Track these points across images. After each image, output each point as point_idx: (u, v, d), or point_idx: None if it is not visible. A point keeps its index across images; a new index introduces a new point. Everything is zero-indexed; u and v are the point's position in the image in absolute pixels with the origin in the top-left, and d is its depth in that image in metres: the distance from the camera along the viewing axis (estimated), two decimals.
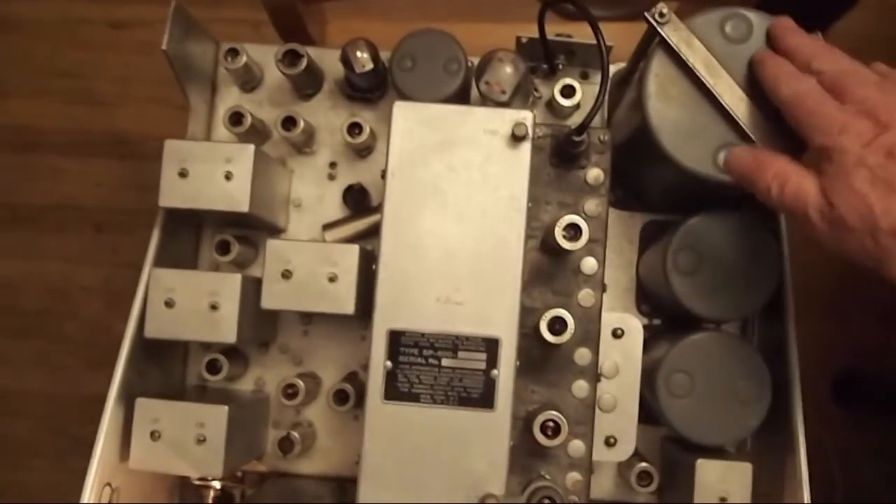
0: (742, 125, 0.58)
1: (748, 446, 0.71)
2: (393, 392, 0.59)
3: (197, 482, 0.70)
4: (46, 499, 1.26)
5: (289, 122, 0.71)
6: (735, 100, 0.58)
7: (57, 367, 1.30)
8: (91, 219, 1.30)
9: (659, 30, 0.59)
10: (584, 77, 0.74)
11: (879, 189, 0.48)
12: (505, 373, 0.59)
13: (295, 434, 0.69)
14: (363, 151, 0.74)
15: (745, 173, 0.56)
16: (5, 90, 1.31)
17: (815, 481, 0.61)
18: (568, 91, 0.70)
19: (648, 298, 0.73)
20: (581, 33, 0.69)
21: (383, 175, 0.60)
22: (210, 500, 0.71)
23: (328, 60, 0.75)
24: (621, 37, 0.73)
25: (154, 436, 0.63)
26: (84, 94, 1.30)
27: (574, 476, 0.62)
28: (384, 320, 0.59)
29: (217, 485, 0.70)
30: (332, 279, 0.63)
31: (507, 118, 0.60)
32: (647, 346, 0.69)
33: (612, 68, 0.74)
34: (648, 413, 0.67)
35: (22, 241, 1.30)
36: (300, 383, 0.69)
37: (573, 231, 0.58)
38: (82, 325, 1.30)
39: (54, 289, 1.30)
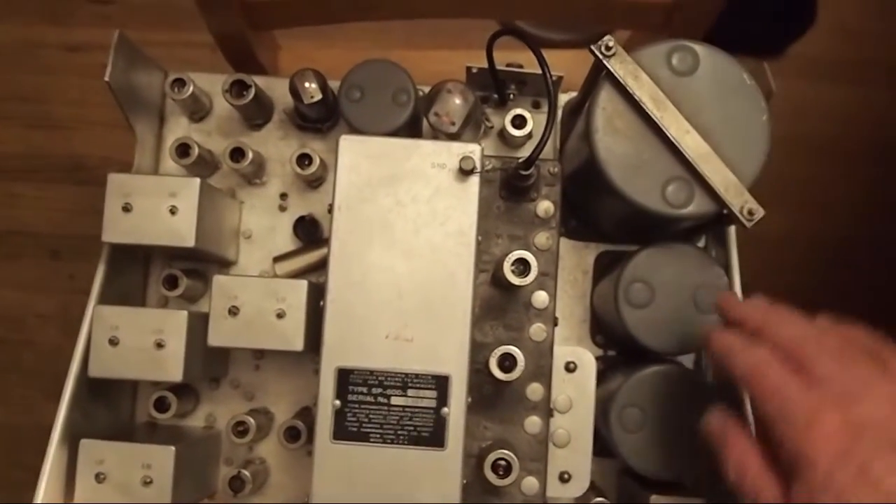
0: (689, 158, 0.58)
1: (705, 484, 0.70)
2: (342, 432, 0.58)
3: None
4: None
5: (237, 154, 0.69)
6: (681, 133, 0.58)
7: (13, 397, 1.27)
8: (47, 245, 1.28)
9: (605, 63, 0.58)
10: (535, 106, 0.74)
11: None
12: (456, 410, 0.58)
13: (245, 473, 0.68)
14: (314, 182, 0.73)
15: (713, 437, 0.53)
16: None
17: None
18: (519, 122, 0.69)
19: (603, 329, 0.72)
20: (534, 63, 0.69)
21: (330, 209, 0.60)
22: None
23: (279, 90, 0.74)
24: (573, 65, 0.73)
25: (99, 478, 0.62)
26: (41, 119, 1.28)
27: None
28: (332, 358, 0.58)
29: None
30: (281, 315, 0.62)
31: (455, 151, 0.59)
32: (603, 377, 0.68)
33: (564, 97, 0.74)
34: (605, 446, 0.67)
35: None
36: (250, 420, 0.67)
37: (522, 266, 0.58)
38: (38, 355, 1.27)
39: (9, 317, 1.28)
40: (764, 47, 1.09)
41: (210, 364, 0.69)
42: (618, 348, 0.72)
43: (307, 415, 0.70)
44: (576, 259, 0.73)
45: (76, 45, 1.29)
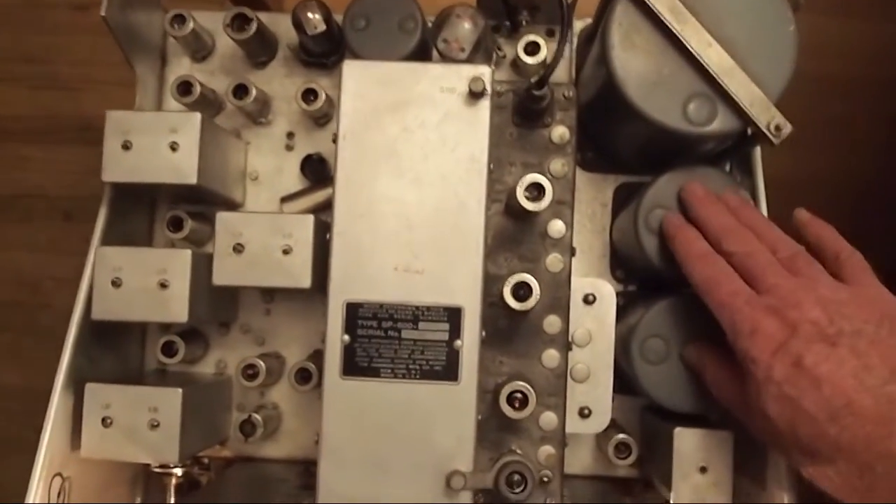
0: (711, 72, 0.55)
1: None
2: (352, 367, 0.56)
3: (157, 470, 0.67)
4: (23, 496, 1.24)
5: (240, 90, 0.67)
6: (703, 46, 0.55)
7: (31, 359, 1.26)
8: (60, 207, 1.26)
9: None
10: (549, 34, 0.71)
11: (786, 410, 0.50)
12: (469, 343, 0.56)
13: (257, 416, 0.66)
14: (321, 119, 0.71)
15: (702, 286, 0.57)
16: None
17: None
18: (532, 48, 0.67)
19: (623, 264, 0.70)
20: None
21: (335, 139, 0.57)
22: (172, 489, 0.67)
23: (282, 26, 0.72)
24: None
25: (106, 422, 0.60)
26: (49, 80, 1.27)
27: (547, 449, 0.59)
28: (340, 292, 0.56)
29: (178, 472, 0.67)
30: (287, 252, 0.60)
31: (464, 74, 0.57)
32: (623, 313, 0.66)
33: (579, 24, 0.71)
34: (626, 383, 0.64)
35: None
36: (260, 363, 0.66)
37: (536, 191, 0.55)
38: (55, 316, 1.26)
39: (25, 280, 1.27)
40: None
41: (218, 307, 0.67)
42: (638, 283, 0.70)
43: (319, 358, 0.67)
44: (594, 192, 0.70)
45: (83, 3, 1.27)
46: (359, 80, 0.57)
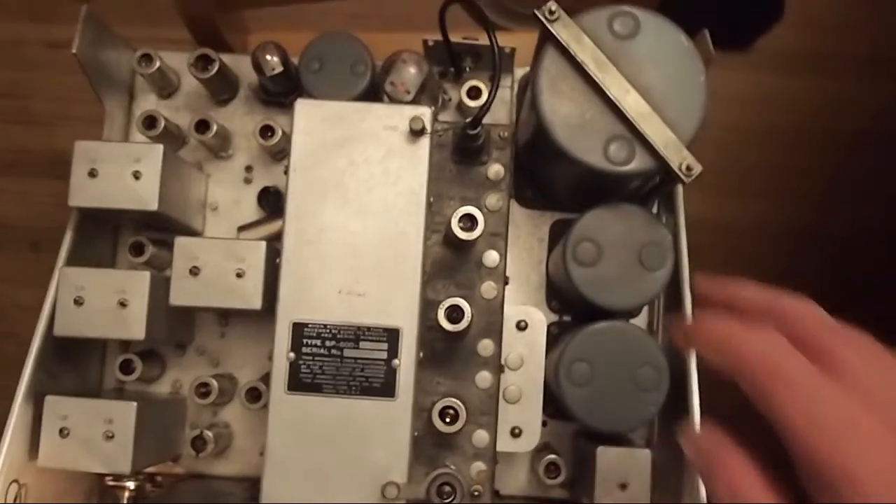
0: (629, 117, 0.60)
1: (655, 438, 0.72)
2: (296, 383, 0.60)
3: (111, 483, 0.70)
4: None
5: (202, 126, 0.72)
6: (622, 92, 0.60)
7: None
8: (28, 238, 1.29)
9: (549, 27, 0.61)
10: (491, 80, 0.76)
11: None
12: (406, 362, 0.60)
13: (208, 433, 0.70)
14: (278, 155, 0.76)
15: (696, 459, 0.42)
16: None
17: None
18: (474, 93, 0.72)
19: (557, 295, 0.74)
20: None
21: (286, 171, 0.62)
22: (125, 501, 0.71)
23: (244, 67, 0.77)
24: (530, 44, 0.75)
25: (63, 433, 0.63)
26: (21, 114, 1.30)
27: (478, 466, 0.63)
28: (287, 312, 0.61)
29: (131, 485, 0.70)
30: (240, 275, 0.64)
31: (406, 114, 0.62)
32: (556, 341, 0.70)
33: (520, 71, 0.77)
34: (560, 409, 0.68)
35: None
36: (213, 382, 0.69)
37: (469, 221, 0.60)
38: (20, 346, 1.28)
39: None
40: (731, 40, 1.12)
41: (175, 329, 0.71)
42: (572, 313, 0.74)
43: (269, 379, 0.71)
44: (531, 227, 0.75)
45: (57, 41, 1.31)
46: (309, 117, 0.62)
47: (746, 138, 1.26)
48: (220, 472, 0.74)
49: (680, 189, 0.71)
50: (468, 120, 0.62)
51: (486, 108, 0.61)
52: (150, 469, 0.72)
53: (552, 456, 0.69)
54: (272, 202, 0.75)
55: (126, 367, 0.70)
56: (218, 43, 0.80)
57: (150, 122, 0.71)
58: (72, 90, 1.30)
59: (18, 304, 1.30)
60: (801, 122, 1.31)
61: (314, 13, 0.94)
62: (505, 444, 0.65)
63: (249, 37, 0.88)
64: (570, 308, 0.74)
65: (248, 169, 0.76)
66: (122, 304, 0.64)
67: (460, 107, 0.74)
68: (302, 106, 0.62)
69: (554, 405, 0.68)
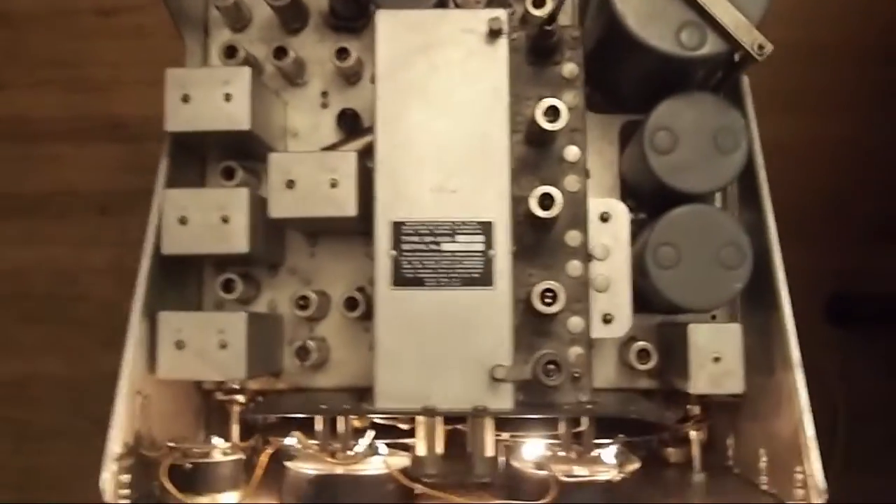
0: (699, 2, 0.62)
1: (738, 318, 0.75)
2: (399, 279, 0.63)
3: (221, 398, 0.74)
4: (73, 482, 1.30)
5: (280, 52, 0.75)
6: None
7: (71, 349, 1.33)
8: (95, 202, 1.34)
9: None
10: None
11: None
12: (501, 252, 0.63)
13: (310, 342, 0.73)
14: (352, 78, 0.78)
15: None
16: (2, 83, 1.35)
17: (816, 405, 0.63)
18: (538, 2, 0.74)
19: (632, 193, 0.77)
20: None
21: (373, 80, 0.65)
22: (235, 415, 0.74)
23: None
24: None
25: (179, 345, 0.67)
26: (79, 82, 1.35)
27: (576, 350, 0.66)
28: (385, 213, 0.64)
29: (241, 398, 0.74)
30: (334, 185, 0.67)
31: (483, 16, 0.64)
32: (635, 238, 0.73)
33: None
34: (643, 301, 0.71)
35: (27, 230, 1.34)
36: (312, 294, 0.73)
37: (553, 113, 0.63)
38: (94, 306, 1.33)
39: (63, 273, 1.34)
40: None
41: (270, 246, 0.74)
42: (647, 209, 0.76)
43: (362, 292, 0.75)
44: (601, 131, 0.78)
45: (108, 9, 1.35)
46: (391, 26, 0.65)
47: (793, 55, 1.27)
48: (320, 384, 0.77)
49: (745, 79, 0.73)
50: (546, 15, 0.65)
51: (560, 2, 0.63)
52: (254, 386, 0.76)
53: (642, 342, 0.72)
54: (350, 123, 0.78)
55: (227, 286, 0.74)
56: None
57: (230, 51, 0.74)
58: (125, 55, 1.34)
59: (89, 268, 1.34)
60: (845, 37, 1.32)
61: None
62: (598, 330, 0.68)
63: None
64: (645, 204, 0.76)
65: (324, 94, 0.79)
66: (224, 220, 0.68)
67: (524, 18, 0.76)
68: (383, 15, 0.65)
69: (637, 298, 0.71)
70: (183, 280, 0.76)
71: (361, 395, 0.74)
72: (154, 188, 0.72)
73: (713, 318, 0.76)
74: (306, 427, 0.71)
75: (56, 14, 1.36)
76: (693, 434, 0.74)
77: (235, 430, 0.74)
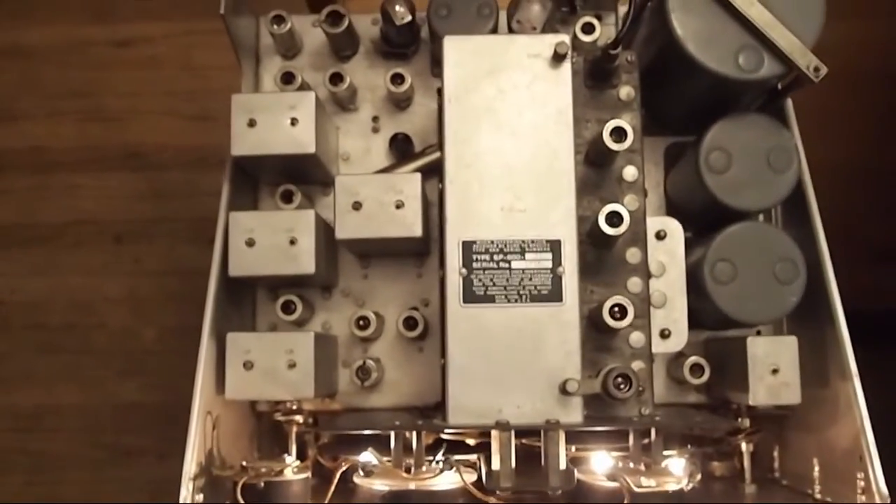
0: (757, 26, 0.65)
1: (784, 332, 0.77)
2: (470, 296, 0.65)
3: (280, 418, 0.75)
4: None
5: (336, 78, 0.76)
6: (747, 5, 0.66)
7: (88, 378, 1.32)
8: (110, 231, 1.34)
9: None
10: (598, 18, 0.81)
11: None
12: (569, 269, 0.65)
13: (370, 361, 0.74)
14: (403, 103, 0.80)
15: None
16: (18, 114, 1.35)
17: None
18: (588, 28, 0.76)
19: (678, 213, 0.79)
20: None
21: (440, 106, 0.66)
22: (293, 436, 0.75)
23: (361, 25, 0.81)
24: None
25: (247, 366, 0.68)
26: (95, 112, 1.35)
27: (638, 364, 0.68)
28: (456, 232, 0.65)
29: (300, 419, 0.74)
30: (399, 206, 0.69)
31: (548, 42, 0.67)
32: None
33: (622, 9, 0.81)
34: (690, 317, 0.73)
35: (43, 259, 1.34)
36: (371, 315, 0.74)
37: (619, 134, 0.65)
38: (110, 335, 1.33)
39: (79, 302, 1.33)
40: None
41: (329, 268, 0.75)
42: (693, 228, 0.79)
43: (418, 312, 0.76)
44: (647, 152, 0.79)
45: (123, 40, 1.36)
46: (458, 51, 0.67)
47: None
48: (375, 404, 0.78)
49: (790, 103, 0.76)
50: (609, 41, 0.67)
51: (626, 24, 0.66)
52: (309, 406, 0.76)
53: (695, 357, 0.74)
54: (402, 147, 0.80)
55: (287, 308, 0.74)
56: (326, 5, 0.84)
57: (287, 77, 0.76)
58: (141, 85, 1.35)
59: (105, 296, 1.34)
60: (844, 64, 1.36)
61: None
62: (657, 345, 0.70)
63: (348, 2, 0.92)
64: (692, 223, 0.78)
65: (375, 119, 0.81)
66: (292, 242, 0.69)
67: (573, 43, 0.78)
68: (451, 41, 0.67)
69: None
70: (242, 303, 0.77)
71: (421, 413, 0.75)
72: (218, 213, 0.73)
73: (758, 332, 0.78)
74: (362, 445, 0.72)
75: (71, 45, 1.36)
76: (744, 446, 0.76)
77: (293, 449, 0.75)
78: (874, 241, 1.37)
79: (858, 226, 1.35)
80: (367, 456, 0.69)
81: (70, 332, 1.34)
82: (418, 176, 0.70)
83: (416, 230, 0.69)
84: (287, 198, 0.76)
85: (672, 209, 0.79)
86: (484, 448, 0.72)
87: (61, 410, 1.33)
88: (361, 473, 0.70)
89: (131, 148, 1.35)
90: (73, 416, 1.32)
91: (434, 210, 0.75)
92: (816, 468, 0.72)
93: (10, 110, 1.36)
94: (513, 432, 0.69)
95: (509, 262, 0.65)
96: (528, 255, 0.65)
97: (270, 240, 0.69)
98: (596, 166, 0.69)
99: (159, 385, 1.28)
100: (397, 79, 0.77)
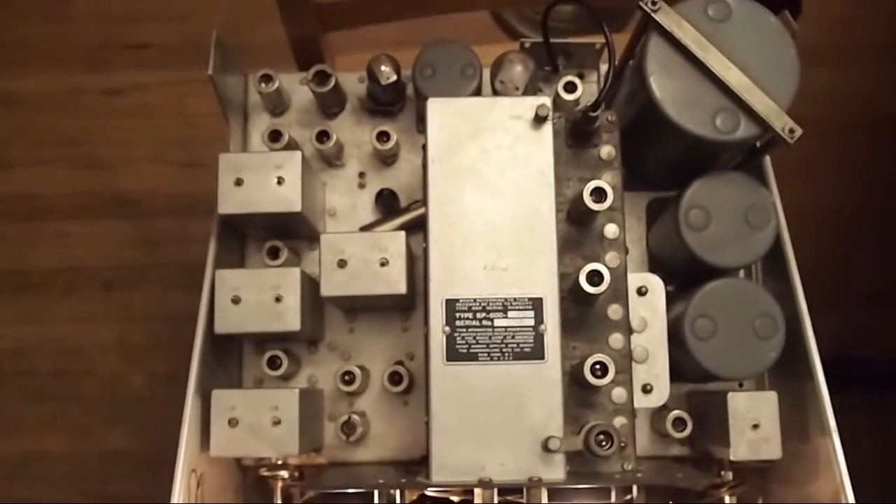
0: (733, 90, 0.67)
1: (766, 385, 0.78)
2: (453, 353, 0.65)
3: (265, 474, 0.75)
4: None
5: (323, 136, 0.78)
6: (724, 69, 0.67)
7: (75, 426, 1.32)
8: (100, 277, 1.34)
9: (653, 16, 0.68)
10: (580, 77, 0.83)
11: None
12: (551, 326, 0.66)
13: (355, 416, 0.74)
14: (389, 159, 0.82)
15: None
16: (10, 161, 1.36)
17: None
18: (570, 87, 0.78)
19: (660, 267, 0.80)
20: None
21: (424, 165, 0.68)
22: (279, 491, 0.75)
23: (347, 83, 0.83)
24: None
25: (232, 423, 0.68)
26: (86, 160, 1.36)
27: (620, 420, 0.69)
28: (439, 290, 0.66)
29: (285, 474, 0.75)
30: (384, 264, 0.70)
31: (529, 104, 0.68)
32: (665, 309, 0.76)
33: (604, 67, 0.83)
34: (672, 370, 0.74)
35: (33, 306, 1.34)
36: (356, 369, 0.74)
37: (599, 194, 0.66)
38: (99, 382, 1.33)
39: (68, 349, 1.34)
40: None
41: (314, 323, 0.76)
42: (675, 283, 0.80)
43: (402, 367, 0.77)
44: (629, 207, 0.81)
45: (115, 89, 1.38)
46: (442, 113, 0.68)
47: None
48: (361, 458, 0.78)
49: (768, 160, 0.77)
50: (589, 104, 0.68)
51: (605, 88, 0.68)
52: (294, 461, 0.77)
53: (677, 411, 0.74)
54: (387, 203, 0.81)
55: (272, 363, 0.75)
56: (317, 62, 0.85)
57: (274, 135, 0.77)
58: (132, 133, 1.37)
59: (95, 343, 1.35)
60: (827, 112, 1.39)
61: (381, 37, 1.00)
62: (639, 400, 0.71)
63: (336, 58, 0.94)
64: (674, 278, 0.80)
65: (361, 175, 0.82)
66: (277, 300, 0.70)
67: (555, 102, 0.80)
68: (434, 104, 0.68)
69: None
70: (227, 360, 0.77)
71: (406, 467, 0.76)
72: (204, 269, 0.74)
73: (740, 385, 0.79)
74: (348, 501, 0.72)
75: (63, 93, 1.38)
76: (727, 499, 0.76)
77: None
78: (860, 285, 1.38)
79: (844, 270, 1.37)
80: None
81: (59, 378, 1.34)
82: (402, 234, 0.71)
83: (401, 288, 0.70)
84: (273, 254, 0.77)
85: (654, 263, 0.81)
86: None
87: (48, 458, 1.32)
88: None
89: (122, 195, 1.36)
90: (61, 464, 1.32)
91: (419, 265, 0.76)
92: None
93: (1, 157, 1.38)
94: (496, 490, 0.70)
95: (492, 319, 0.66)
96: (510, 313, 0.66)
97: (256, 297, 0.70)
98: (577, 224, 0.71)
99: (147, 432, 1.28)
100: (383, 136, 0.78)
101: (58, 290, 1.35)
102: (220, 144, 0.72)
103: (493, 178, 0.67)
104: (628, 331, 0.70)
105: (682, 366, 0.73)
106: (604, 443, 0.64)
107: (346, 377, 0.75)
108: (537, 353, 0.65)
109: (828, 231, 1.37)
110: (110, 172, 1.36)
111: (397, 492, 0.70)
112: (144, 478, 1.26)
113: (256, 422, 0.68)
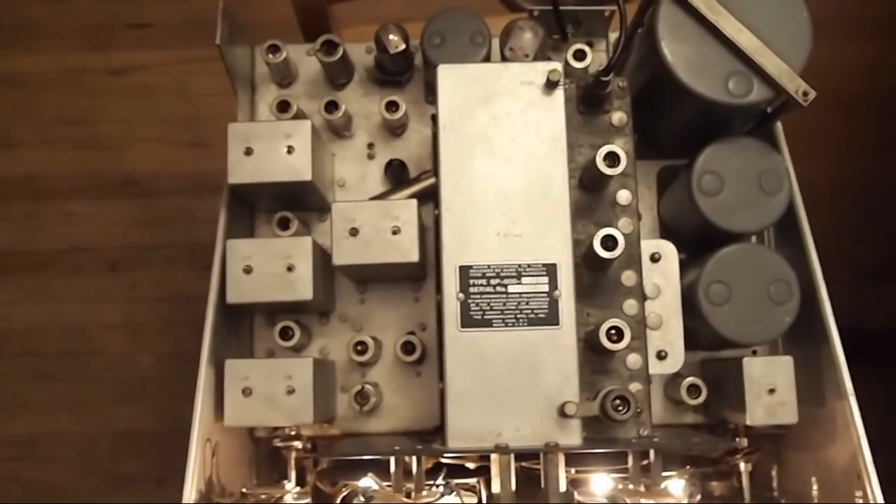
0: (746, 53, 0.66)
1: (780, 352, 0.78)
2: (468, 320, 0.65)
3: (279, 444, 0.75)
4: None
5: (331, 106, 0.77)
6: (735, 32, 0.67)
7: (85, 406, 1.32)
8: (106, 258, 1.34)
9: None
10: (589, 45, 0.82)
11: None
12: (566, 292, 0.65)
13: (368, 386, 0.74)
14: (397, 130, 0.81)
15: None
16: (14, 142, 1.36)
17: None
18: (579, 55, 0.77)
19: (672, 235, 0.80)
20: None
21: (434, 134, 0.67)
22: (292, 461, 0.75)
23: (355, 53, 0.82)
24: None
25: (246, 392, 0.68)
26: (90, 140, 1.36)
27: (636, 386, 0.69)
28: (452, 257, 0.66)
29: (298, 444, 0.75)
30: (396, 232, 0.69)
31: (540, 69, 0.68)
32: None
33: (613, 35, 0.83)
34: (686, 338, 0.74)
35: (39, 286, 1.34)
36: (369, 340, 0.74)
37: (612, 159, 0.66)
38: (106, 362, 1.33)
39: (75, 329, 1.33)
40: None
41: (326, 294, 0.76)
42: (687, 250, 0.79)
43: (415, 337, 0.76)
44: (640, 176, 0.80)
45: (118, 68, 1.37)
46: (452, 79, 0.68)
47: None
48: (373, 429, 0.78)
49: (780, 127, 0.77)
50: (601, 67, 0.68)
51: (617, 51, 0.67)
52: (307, 432, 0.77)
53: (692, 378, 0.74)
54: (397, 173, 0.80)
55: (284, 334, 0.75)
56: (325, 33, 0.85)
57: (283, 105, 0.76)
58: (136, 112, 1.36)
59: (101, 323, 1.34)
60: (834, 85, 1.38)
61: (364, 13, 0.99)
62: (653, 366, 0.70)
63: (342, 31, 0.93)
64: (686, 245, 0.79)
65: (370, 146, 0.82)
66: (289, 269, 0.69)
67: (565, 70, 0.79)
68: (444, 70, 0.68)
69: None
70: (239, 331, 0.77)
71: (420, 437, 0.76)
72: (214, 239, 0.73)
73: (754, 353, 0.78)
74: (362, 470, 0.72)
75: (66, 74, 1.37)
76: (742, 466, 0.76)
77: (292, 475, 0.75)
78: (866, 259, 1.38)
79: (851, 244, 1.37)
80: (367, 481, 0.69)
81: (66, 359, 1.34)
82: (414, 202, 0.70)
83: (413, 256, 0.69)
84: (284, 225, 0.77)
85: (666, 231, 0.80)
86: (484, 471, 0.73)
87: (57, 438, 1.32)
88: (361, 499, 0.70)
89: (126, 175, 1.35)
90: (70, 444, 1.32)
91: (430, 235, 0.75)
92: (815, 487, 0.72)
93: (5, 138, 1.37)
94: (512, 455, 0.70)
95: (506, 286, 0.65)
96: (524, 279, 0.65)
97: (268, 267, 0.70)
98: (590, 190, 0.70)
99: (156, 412, 1.28)
100: (392, 106, 0.77)
101: (63, 271, 1.34)
102: (224, 123, 0.71)
103: (504, 144, 0.67)
104: (642, 297, 0.70)
105: (696, 333, 0.73)
106: (620, 407, 0.64)
107: (359, 347, 0.75)
108: (552, 318, 0.65)
109: (835, 206, 1.36)
110: (114, 152, 1.36)
111: (413, 460, 0.70)
112: (155, 457, 1.26)
113: (270, 391, 0.68)
